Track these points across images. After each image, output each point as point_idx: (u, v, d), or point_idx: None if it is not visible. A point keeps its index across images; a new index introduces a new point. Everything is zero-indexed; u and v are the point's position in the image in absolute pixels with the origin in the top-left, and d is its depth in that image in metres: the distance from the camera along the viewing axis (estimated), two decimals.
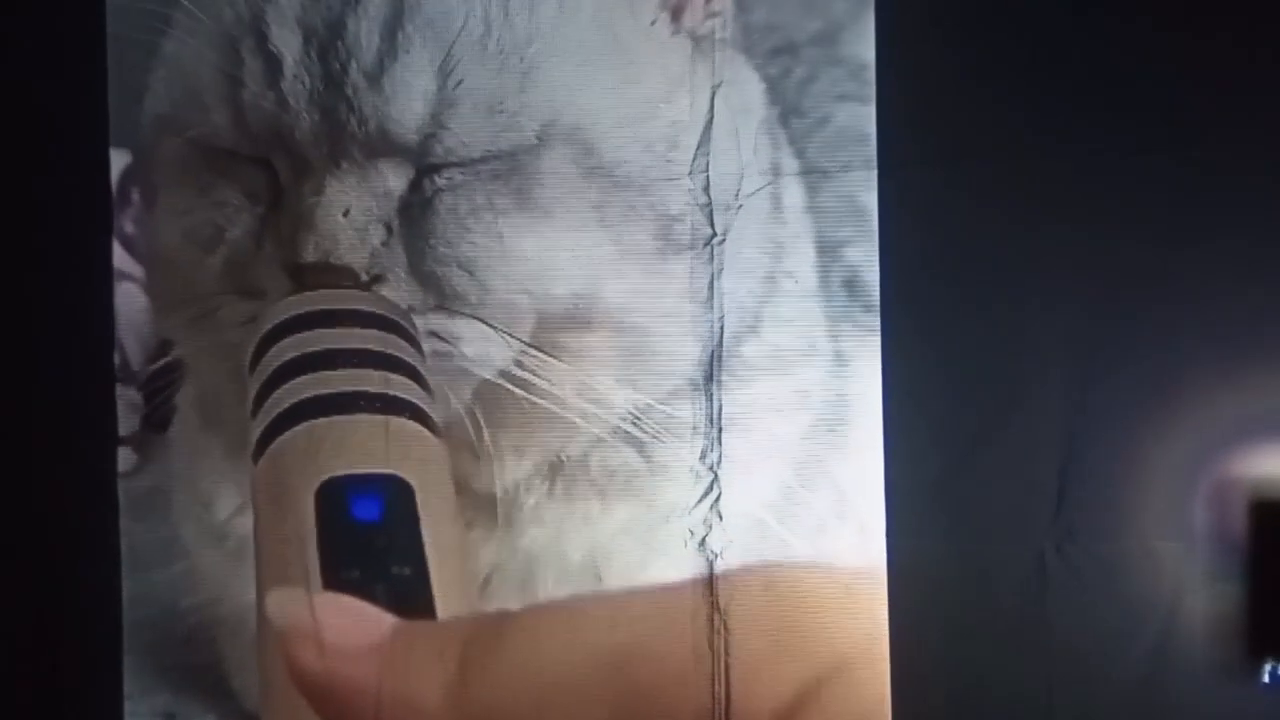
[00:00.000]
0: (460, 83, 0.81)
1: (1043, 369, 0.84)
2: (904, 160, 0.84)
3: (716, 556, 0.83)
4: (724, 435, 0.84)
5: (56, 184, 0.85)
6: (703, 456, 0.84)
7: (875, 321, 0.84)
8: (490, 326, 0.82)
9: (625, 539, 0.84)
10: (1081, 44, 0.83)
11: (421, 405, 0.77)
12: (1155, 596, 0.83)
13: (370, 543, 0.73)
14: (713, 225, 0.83)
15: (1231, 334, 0.83)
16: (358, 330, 0.77)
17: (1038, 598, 0.83)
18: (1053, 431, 0.84)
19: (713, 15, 0.84)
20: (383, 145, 0.80)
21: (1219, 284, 0.83)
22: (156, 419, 0.85)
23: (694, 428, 0.84)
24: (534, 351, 0.82)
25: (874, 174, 0.84)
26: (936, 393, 0.84)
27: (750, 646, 0.79)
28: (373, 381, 0.76)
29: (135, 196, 0.85)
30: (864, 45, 0.84)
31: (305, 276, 0.80)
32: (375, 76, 0.80)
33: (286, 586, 0.72)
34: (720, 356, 0.84)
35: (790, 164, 0.85)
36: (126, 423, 0.85)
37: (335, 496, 0.73)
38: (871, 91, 0.84)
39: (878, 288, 0.84)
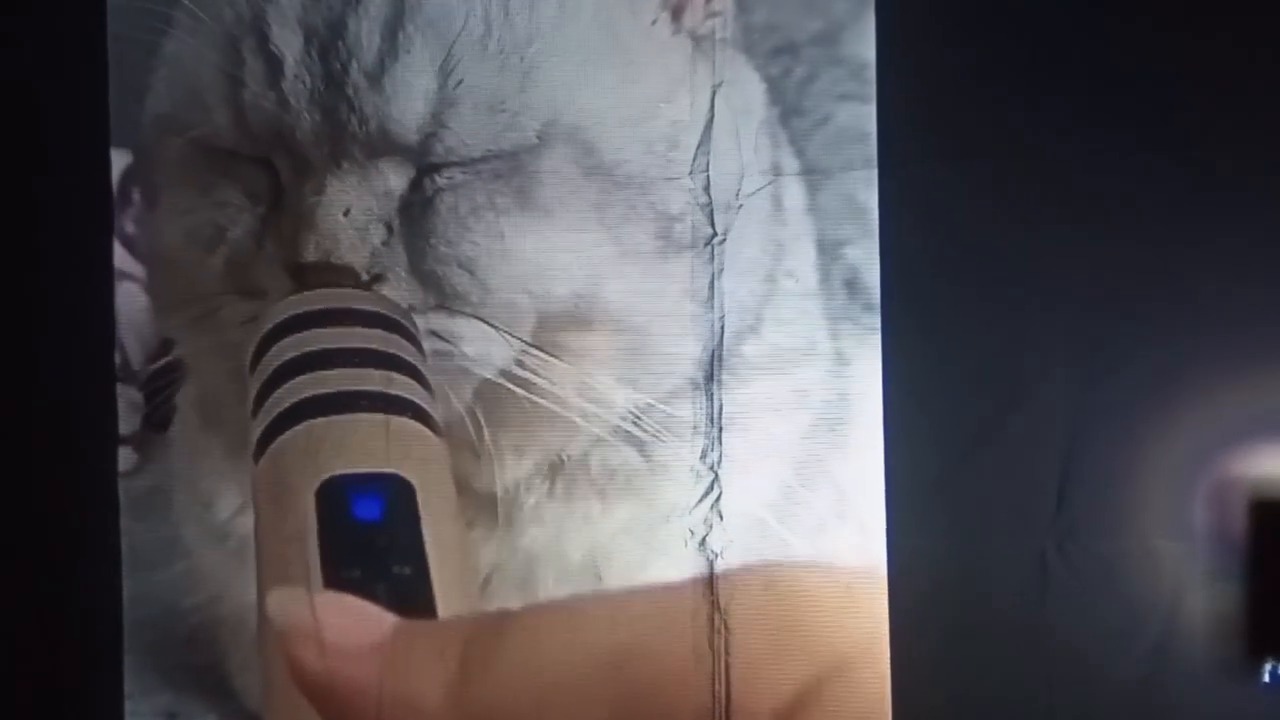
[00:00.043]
0: (461, 82, 0.81)
1: (1043, 368, 0.84)
2: (904, 160, 0.84)
3: (717, 556, 0.83)
4: (724, 435, 0.84)
5: (57, 184, 0.85)
6: (703, 456, 0.84)
7: (876, 321, 0.84)
8: (491, 326, 0.82)
9: (625, 538, 0.84)
10: (1081, 44, 0.83)
11: (422, 405, 0.77)
12: (1155, 596, 0.83)
13: (371, 542, 0.73)
14: (713, 225, 0.83)
15: (1231, 334, 0.83)
16: (358, 330, 0.78)
17: (1038, 597, 0.83)
18: (1053, 431, 0.84)
19: (713, 15, 0.84)
20: (383, 145, 0.80)
21: (1219, 284, 0.83)
22: (157, 418, 0.85)
23: (694, 427, 0.84)
24: (535, 351, 0.82)
25: (874, 174, 0.84)
26: (937, 392, 0.84)
27: (750, 646, 0.79)
28: (373, 381, 0.76)
29: (136, 196, 0.85)
30: (864, 45, 0.84)
31: (306, 276, 0.80)
32: (376, 76, 0.80)
33: (287, 586, 0.72)
34: (721, 356, 0.84)
35: (791, 163, 0.85)
36: (127, 422, 0.85)
37: (336, 496, 0.73)
38: (872, 91, 0.84)
39: (878, 287, 0.84)
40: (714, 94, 0.84)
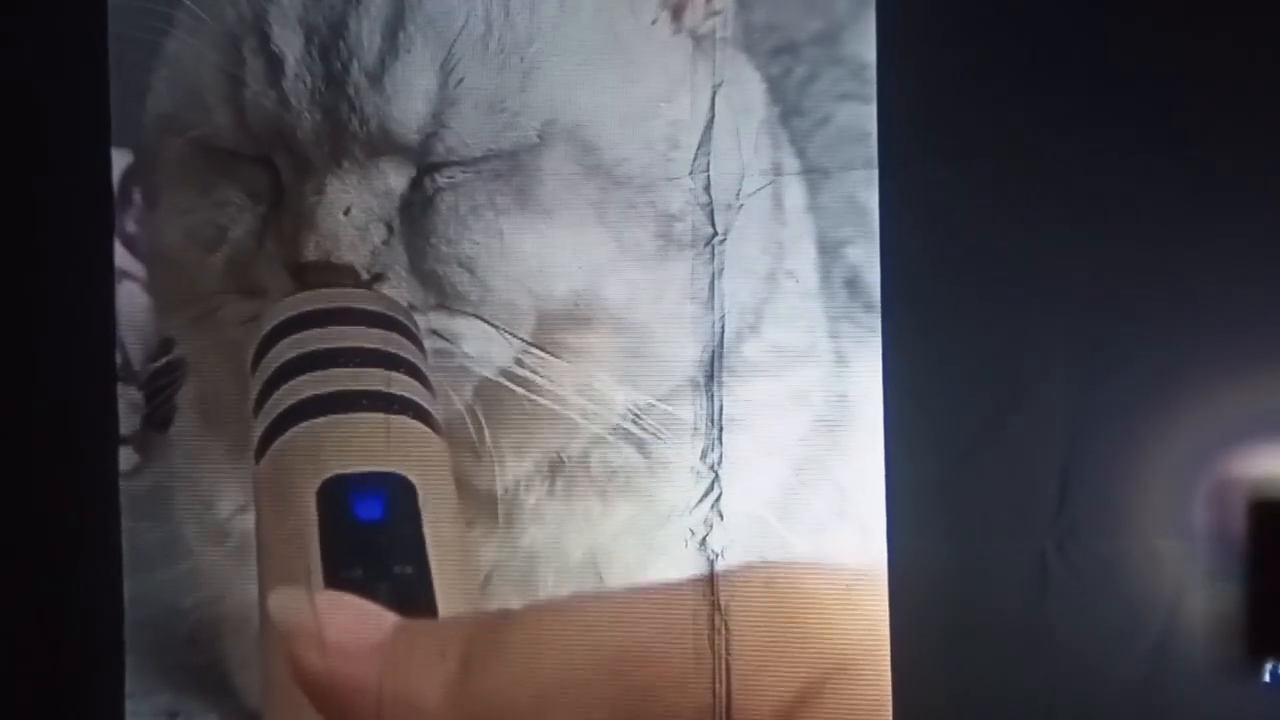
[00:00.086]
0: (461, 82, 0.81)
1: (1043, 368, 0.84)
2: (905, 160, 0.84)
3: (717, 556, 0.83)
4: (725, 434, 0.84)
5: (58, 183, 0.85)
6: (703, 456, 0.84)
7: (876, 321, 0.84)
8: (491, 325, 0.82)
9: (626, 538, 0.84)
10: (1081, 44, 0.83)
11: (423, 404, 0.77)
12: (1156, 596, 0.83)
13: (372, 541, 0.73)
14: (713, 224, 0.83)
15: (1231, 334, 0.82)
16: (359, 329, 0.78)
17: (1038, 597, 0.83)
18: (1053, 431, 0.84)
19: (714, 14, 0.84)
20: (384, 144, 0.81)
21: (1219, 284, 0.83)
22: (158, 418, 0.85)
23: (695, 427, 0.84)
24: (535, 350, 0.82)
25: (875, 173, 0.84)
26: (937, 392, 0.84)
27: (751, 646, 0.79)
28: (374, 380, 0.76)
29: (137, 196, 0.85)
30: (865, 44, 0.84)
31: (307, 275, 0.80)
32: (377, 76, 0.80)
33: (289, 585, 0.72)
34: (721, 356, 0.84)
35: (791, 163, 0.84)
36: (128, 422, 0.85)
37: (337, 495, 0.73)
38: (872, 91, 0.84)
39: (879, 287, 0.84)
40: (714, 93, 0.84)
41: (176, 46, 0.83)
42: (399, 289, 0.81)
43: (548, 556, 0.84)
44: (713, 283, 0.83)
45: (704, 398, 0.84)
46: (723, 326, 0.84)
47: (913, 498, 0.83)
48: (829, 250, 0.84)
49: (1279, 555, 0.82)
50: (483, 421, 0.82)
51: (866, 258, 0.84)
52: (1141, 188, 0.83)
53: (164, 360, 0.85)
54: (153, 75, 0.83)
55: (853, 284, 0.84)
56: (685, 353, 0.84)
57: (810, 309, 0.84)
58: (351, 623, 0.69)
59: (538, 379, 0.82)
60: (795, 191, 0.85)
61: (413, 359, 0.78)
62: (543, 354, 0.82)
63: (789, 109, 0.85)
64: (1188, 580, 0.83)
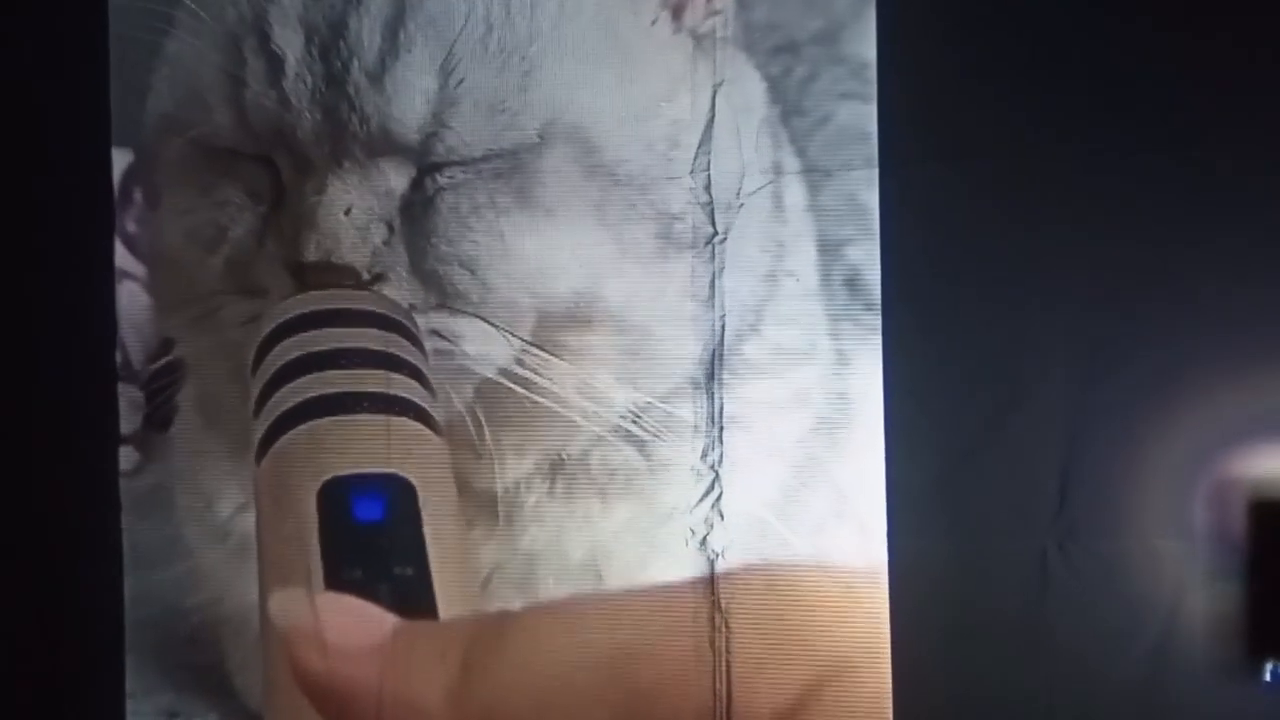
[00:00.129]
0: (462, 82, 0.81)
1: (1043, 368, 0.84)
2: (905, 159, 0.84)
3: (717, 556, 0.83)
4: (725, 434, 0.84)
5: (58, 183, 0.85)
6: (704, 455, 0.84)
7: (876, 321, 0.84)
8: (491, 325, 0.82)
9: (626, 538, 0.84)
10: (1081, 44, 0.83)
11: (423, 405, 0.77)
12: (1156, 596, 0.83)
13: (372, 543, 0.73)
14: (714, 224, 0.83)
15: (1231, 334, 0.83)
16: (360, 330, 0.78)
17: (1039, 597, 0.83)
18: (1053, 431, 0.84)
19: (714, 14, 0.84)
20: (384, 144, 0.80)
21: (1219, 284, 0.83)
22: (158, 418, 0.85)
23: (695, 427, 0.84)
24: (535, 350, 0.82)
25: (875, 173, 0.84)
26: (937, 392, 0.84)
27: (751, 646, 0.79)
28: (375, 381, 0.76)
29: (137, 196, 0.85)
30: (865, 44, 0.84)
31: (307, 275, 0.80)
32: (377, 76, 0.80)
33: (289, 587, 0.72)
34: (721, 355, 0.84)
35: (791, 163, 0.84)
36: (128, 422, 0.85)
37: (337, 496, 0.73)
38: (873, 90, 0.84)
39: (879, 287, 0.84)
40: (715, 93, 0.84)
41: (177, 46, 0.83)
42: (399, 289, 0.81)
43: (548, 556, 0.84)
44: (713, 282, 0.83)
45: (704, 397, 0.84)
46: (723, 326, 0.84)
47: (913, 498, 0.83)
48: (829, 250, 0.84)
49: (1279, 555, 0.82)
50: (483, 421, 0.82)
51: (867, 257, 0.84)
52: (1141, 188, 0.83)
53: (164, 360, 0.85)
54: (153, 75, 0.83)
55: (853, 284, 0.84)
56: (686, 352, 0.84)
57: (810, 309, 0.84)
58: (352, 624, 0.69)
59: (538, 379, 0.82)
60: (796, 191, 0.84)
61: (413, 360, 0.78)
62: (543, 354, 0.82)
63: (789, 108, 0.85)
64: (1188, 580, 0.83)
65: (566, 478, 0.84)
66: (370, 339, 0.77)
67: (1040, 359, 0.84)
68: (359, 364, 0.76)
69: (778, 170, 0.84)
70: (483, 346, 0.82)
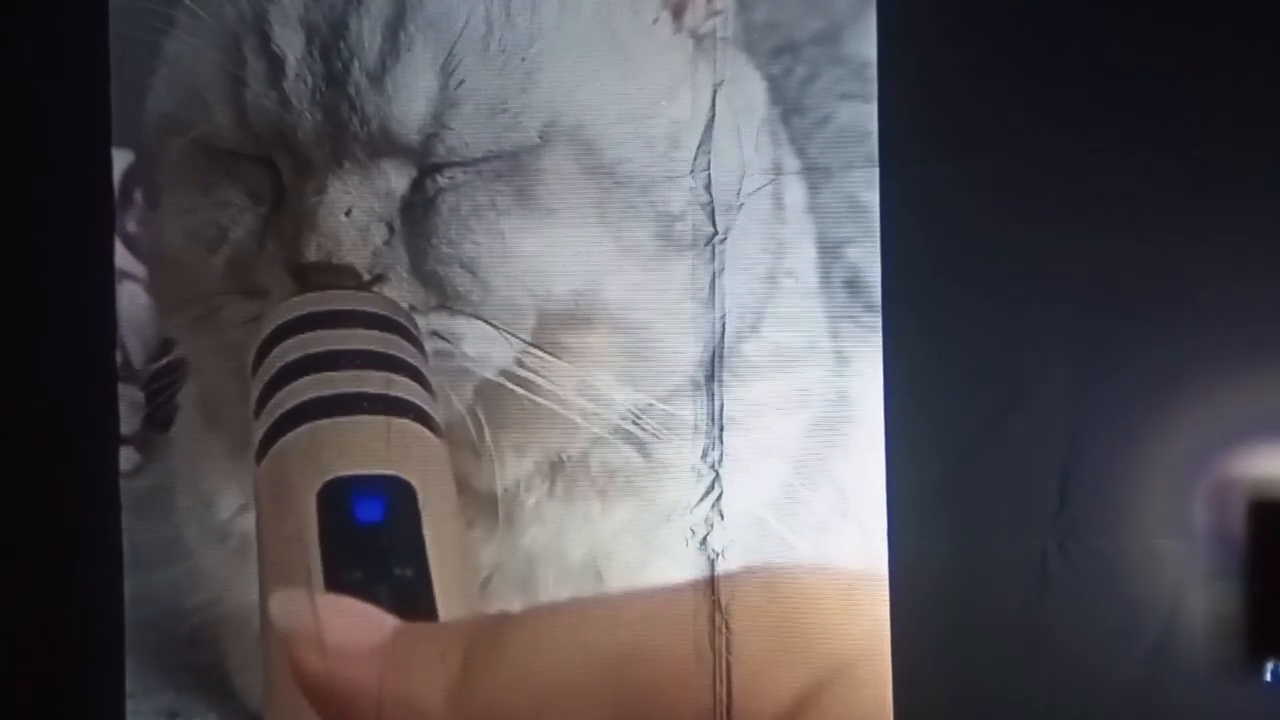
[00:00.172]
0: (462, 82, 0.81)
1: (1044, 368, 0.84)
2: (906, 159, 0.84)
3: (718, 555, 0.83)
4: (725, 434, 0.84)
5: (58, 183, 0.85)
6: (704, 455, 0.84)
7: (876, 320, 0.84)
8: (492, 325, 0.82)
9: (626, 538, 0.84)
10: (1081, 44, 0.83)
11: (423, 406, 0.77)
12: (1156, 596, 0.83)
13: (372, 544, 0.73)
14: (714, 224, 0.83)
15: (1231, 334, 0.83)
16: (360, 331, 0.78)
17: (1038, 597, 0.83)
18: (1054, 431, 0.84)
19: (714, 14, 0.84)
20: (385, 145, 0.80)
21: (1219, 284, 0.83)
22: (159, 418, 0.85)
23: (695, 426, 0.84)
24: (535, 350, 0.82)
25: (875, 172, 0.84)
26: (938, 392, 0.84)
27: (751, 647, 0.79)
28: (375, 382, 0.76)
29: (138, 196, 0.85)
30: (866, 43, 0.84)
31: (308, 276, 0.80)
32: (377, 76, 0.80)
33: (289, 588, 0.72)
34: (721, 355, 0.84)
35: (792, 162, 0.84)
36: (129, 422, 0.85)
37: (337, 497, 0.73)
38: (873, 90, 0.84)
39: (879, 287, 0.84)
40: (715, 93, 0.84)
41: (177, 46, 0.83)
42: (400, 290, 0.81)
43: (548, 557, 0.84)
44: (713, 282, 0.83)
45: (704, 397, 0.84)
46: (723, 326, 0.84)
47: (913, 498, 0.83)
48: (829, 249, 0.85)
49: (1279, 555, 0.82)
50: (483, 422, 0.82)
51: (867, 257, 0.84)
52: (1141, 188, 0.83)
53: (165, 360, 0.85)
54: (153, 75, 0.83)
55: (853, 284, 0.84)
56: (686, 352, 0.84)
57: (810, 309, 0.84)
58: (352, 626, 0.69)
59: (538, 379, 0.82)
60: (796, 190, 0.85)
61: (413, 361, 0.78)
62: (543, 354, 0.82)
63: (790, 108, 0.85)
64: (1188, 580, 0.83)
65: (566, 478, 0.84)
66: (370, 340, 0.77)
67: (1040, 359, 0.84)
68: (359, 365, 0.76)
69: (778, 170, 0.84)
70: (483, 347, 0.82)
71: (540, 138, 0.82)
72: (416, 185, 0.81)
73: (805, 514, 0.83)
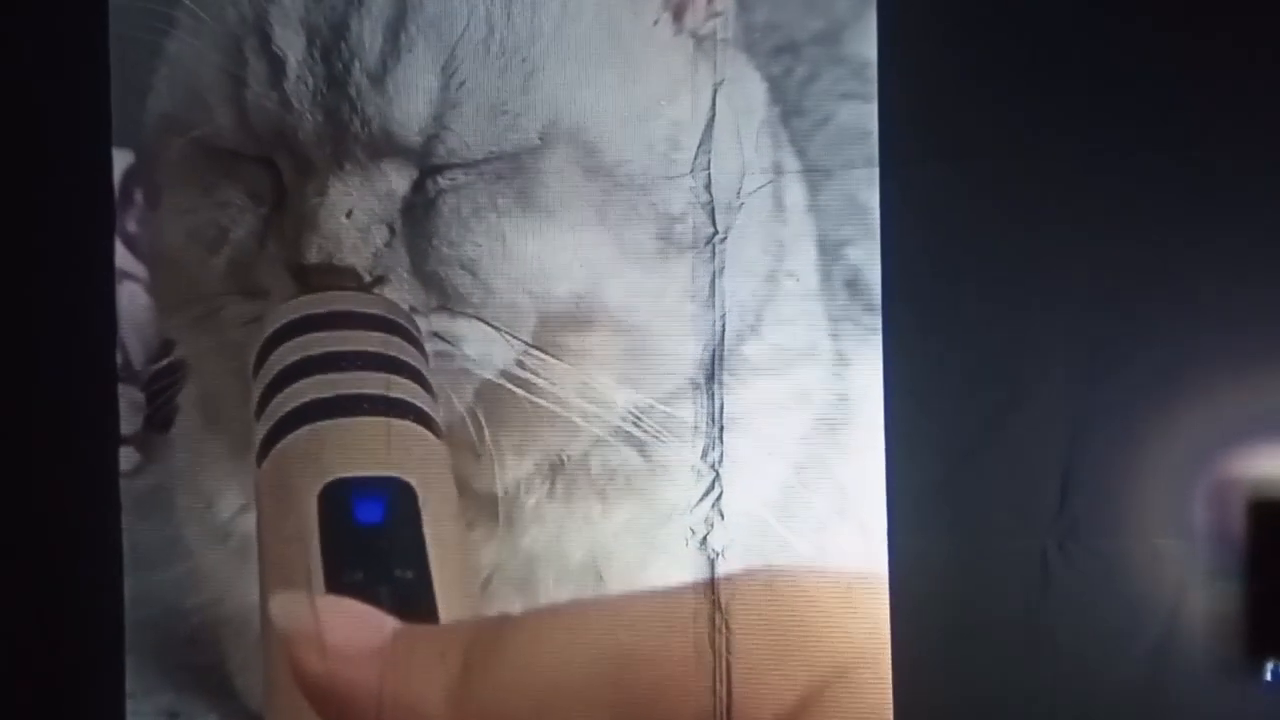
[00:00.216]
0: (463, 84, 0.81)
1: (1044, 368, 0.84)
2: (906, 159, 0.84)
3: (718, 555, 0.83)
4: (725, 434, 0.84)
5: (59, 183, 0.85)
6: (704, 455, 0.84)
7: (877, 321, 0.84)
8: (492, 327, 0.82)
9: (626, 538, 0.84)
10: (1081, 44, 0.83)
11: (423, 407, 0.77)
12: (1156, 596, 0.83)
13: (373, 545, 0.73)
14: (714, 224, 0.83)
15: (1231, 334, 0.83)
16: (361, 333, 0.78)
17: (1039, 597, 0.83)
18: (1053, 431, 0.84)
19: (715, 15, 0.84)
20: (386, 146, 0.80)
21: (1219, 284, 0.83)
22: (159, 419, 0.85)
23: (695, 427, 0.84)
24: (535, 351, 0.82)
25: (876, 173, 0.84)
26: (938, 392, 0.84)
27: (752, 647, 0.79)
28: (375, 384, 0.76)
29: (138, 196, 0.85)
30: (866, 44, 0.84)
31: (308, 277, 0.80)
32: (378, 77, 0.80)
33: (290, 589, 0.72)
34: (721, 356, 0.84)
35: (792, 163, 0.84)
36: (129, 422, 0.86)
37: (338, 498, 0.73)
38: (873, 90, 0.84)
39: (879, 287, 0.84)
40: (715, 93, 0.84)
41: (177, 47, 0.83)
42: (401, 291, 0.81)
43: (548, 557, 0.84)
44: (713, 282, 0.83)
45: (704, 397, 0.84)
46: (723, 326, 0.84)
47: (913, 498, 0.83)
48: (829, 250, 0.84)
49: (1279, 555, 0.82)
50: (483, 423, 0.82)
51: (867, 257, 0.84)
52: (1141, 188, 0.83)
53: (165, 361, 0.85)
54: (154, 75, 0.83)
55: (853, 284, 0.84)
56: (686, 352, 0.84)
57: (811, 309, 0.84)
58: (352, 627, 0.69)
59: (539, 380, 0.82)
60: (796, 191, 0.84)
61: (414, 363, 0.78)
62: (544, 355, 0.82)
63: (790, 108, 0.85)
64: (1188, 580, 0.83)
65: (567, 479, 0.84)
66: (371, 341, 0.77)
67: (1040, 359, 0.84)
68: (360, 366, 0.76)
69: (778, 170, 0.84)
70: (483, 348, 0.82)
71: (541, 139, 0.82)
72: (417, 186, 0.81)
73: (805, 514, 0.83)
